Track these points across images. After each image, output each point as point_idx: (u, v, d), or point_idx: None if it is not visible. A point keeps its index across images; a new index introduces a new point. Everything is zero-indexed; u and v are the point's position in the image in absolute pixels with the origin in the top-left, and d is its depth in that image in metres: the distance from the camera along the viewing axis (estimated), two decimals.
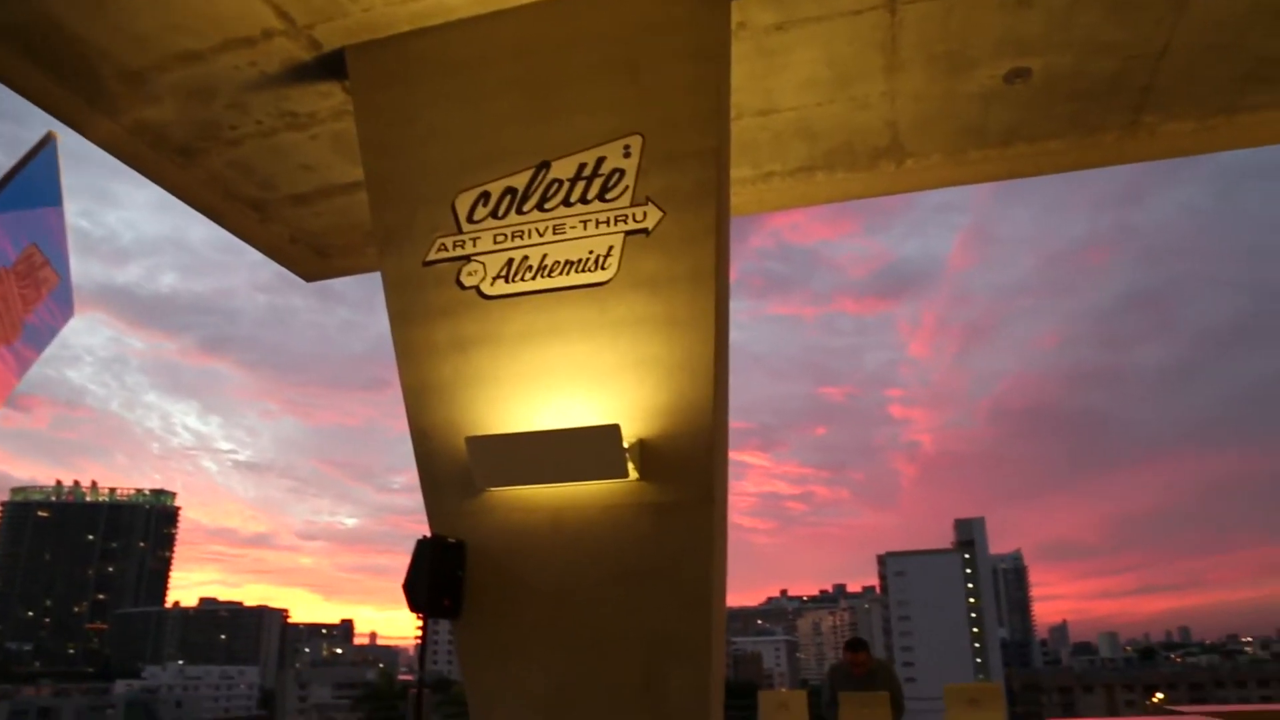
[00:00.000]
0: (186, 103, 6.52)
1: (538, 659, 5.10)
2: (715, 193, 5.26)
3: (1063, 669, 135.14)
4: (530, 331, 5.40)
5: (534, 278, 5.44)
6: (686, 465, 5.00)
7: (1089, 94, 6.77)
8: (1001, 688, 6.77)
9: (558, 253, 5.43)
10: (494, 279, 5.51)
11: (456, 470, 5.33)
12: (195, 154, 7.10)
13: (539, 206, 5.53)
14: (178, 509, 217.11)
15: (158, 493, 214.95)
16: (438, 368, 5.57)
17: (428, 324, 5.62)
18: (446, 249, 5.64)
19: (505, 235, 5.55)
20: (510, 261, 5.50)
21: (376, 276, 5.98)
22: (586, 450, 4.94)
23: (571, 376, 5.29)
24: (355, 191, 7.34)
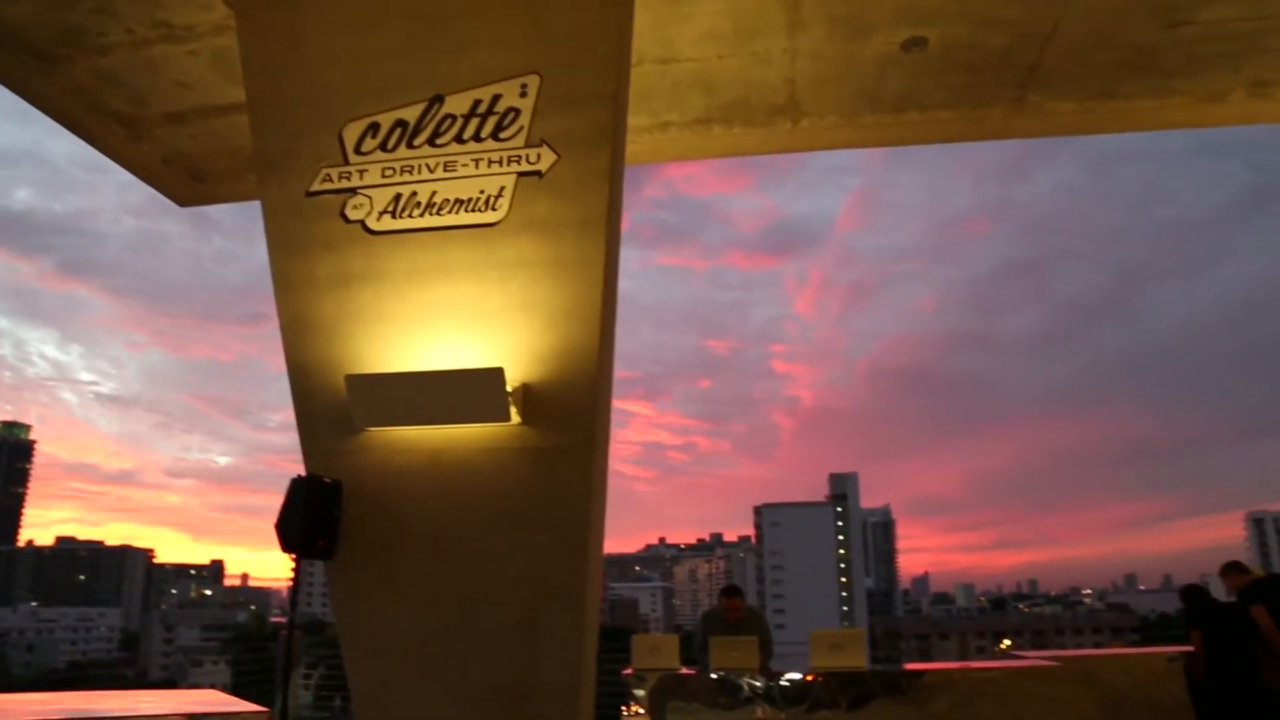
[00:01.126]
0: (48, 2, 6.04)
1: (414, 602, 5.07)
2: (611, 138, 5.22)
3: (922, 617, 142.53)
4: (416, 270, 5.28)
5: (422, 215, 5.30)
6: (569, 411, 5.01)
7: (980, 68, 6.96)
8: (864, 634, 7.09)
9: (448, 190, 5.30)
10: (381, 214, 5.35)
11: (335, 409, 5.20)
12: (58, 60, 6.60)
13: (430, 142, 5.37)
14: (33, 443, 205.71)
15: (10, 425, 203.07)
16: (318, 303, 5.39)
17: (309, 257, 5.43)
18: (331, 180, 5.44)
19: (394, 169, 5.38)
20: (398, 197, 5.35)
21: (256, 205, 5.72)
22: (469, 393, 4.88)
23: (457, 317, 5.21)
24: (235, 114, 6.97)
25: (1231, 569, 6.82)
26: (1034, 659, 7.26)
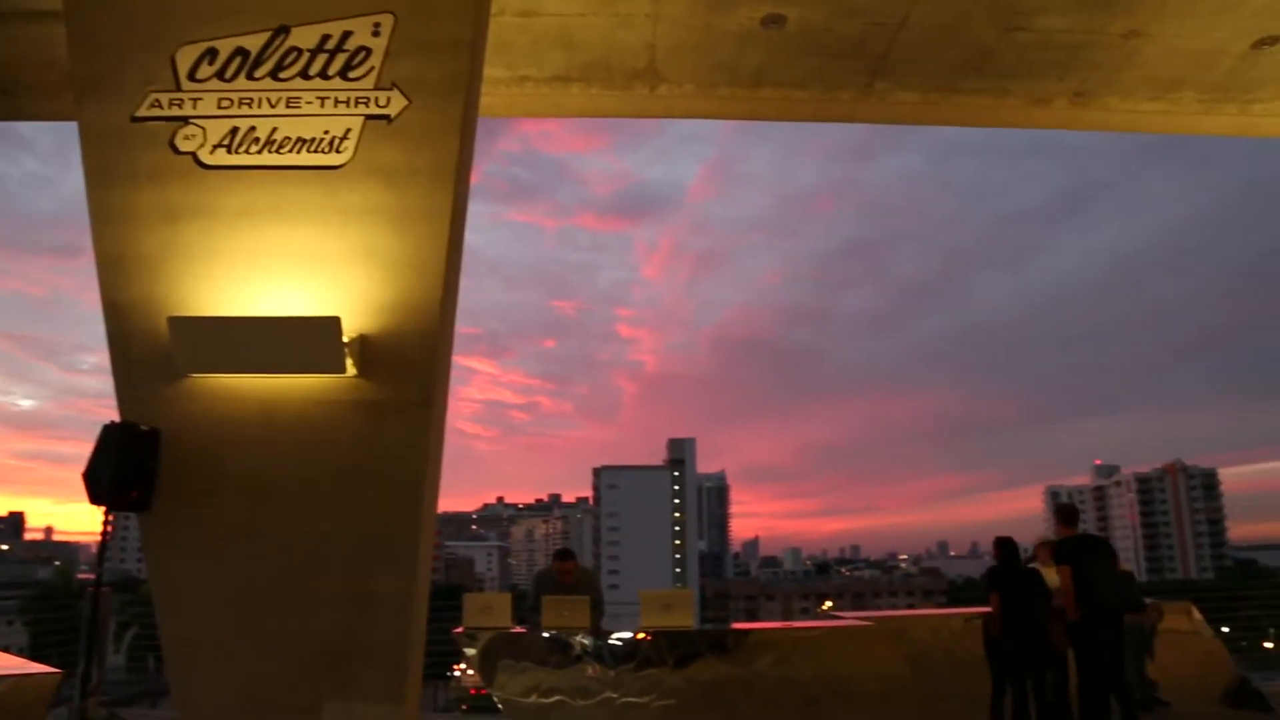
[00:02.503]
0: None
1: (236, 558, 4.86)
2: (465, 87, 5.07)
3: (751, 579, 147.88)
4: (251, 209, 5.00)
5: (261, 151, 5.02)
6: (408, 365, 4.88)
7: (834, 51, 7.15)
8: (693, 595, 7.29)
9: (290, 128, 5.03)
10: (215, 147, 5.03)
11: (155, 352, 4.88)
12: None
13: (273, 75, 5.08)
14: None
15: None
16: (141, 238, 5.03)
17: (133, 187, 5.05)
18: (160, 106, 5.07)
19: (231, 101, 5.06)
20: (235, 130, 5.04)
21: (74, 126, 5.25)
22: (303, 341, 4.69)
23: (293, 262, 4.97)
24: (51, 23, 6.34)
25: (1047, 544, 7.36)
26: (851, 619, 7.66)
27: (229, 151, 5.03)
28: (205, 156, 5.03)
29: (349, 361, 4.74)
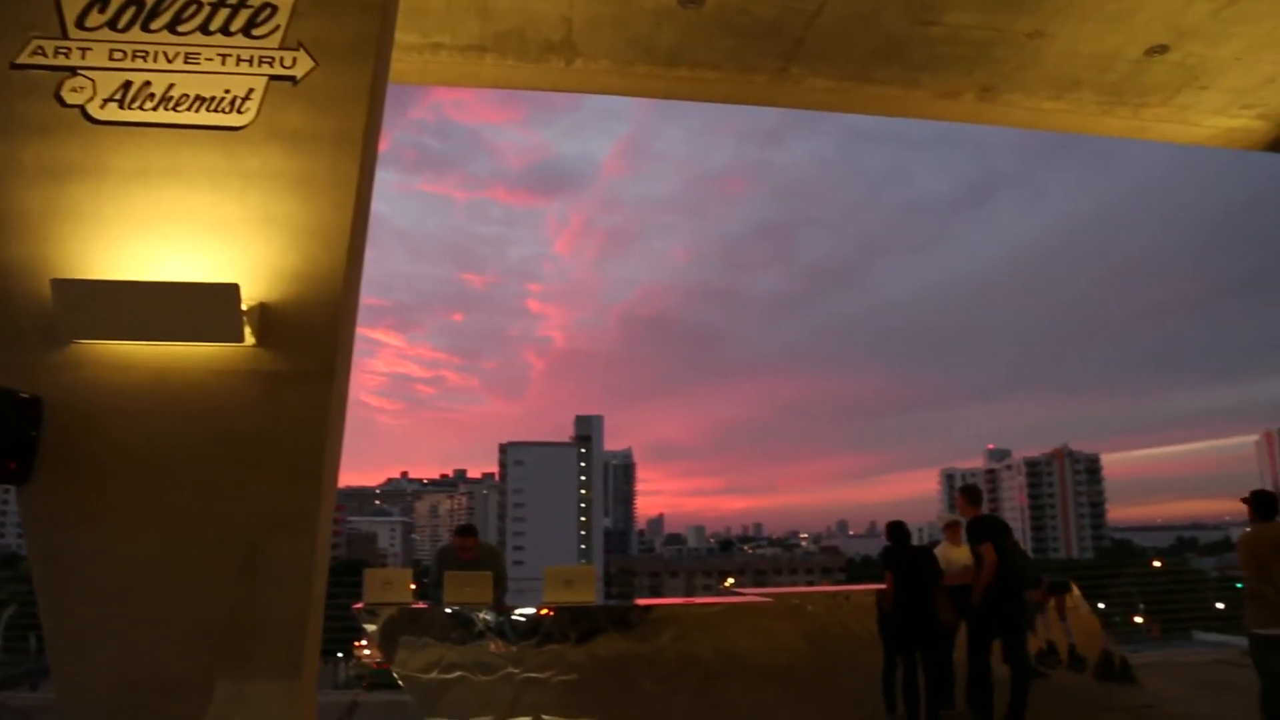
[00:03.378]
0: None
1: (124, 532, 4.66)
2: (375, 52, 4.93)
3: (655, 556, 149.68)
4: (145, 169, 4.78)
5: (156, 108, 4.79)
6: (309, 335, 4.75)
7: (750, 33, 7.20)
8: (596, 571, 7.32)
9: (188, 85, 4.82)
10: (106, 101, 4.78)
11: (37, 316, 4.63)
12: None
13: (170, 27, 4.86)
14: None
15: None
16: (22, 195, 4.75)
17: (12, 140, 4.76)
18: (45, 54, 4.79)
19: (124, 53, 4.82)
20: (128, 85, 4.80)
21: None
22: (199, 308, 4.52)
23: (189, 226, 4.78)
24: None
25: (953, 524, 7.63)
26: (751, 596, 7.80)
27: (121, 107, 4.79)
28: (95, 111, 4.78)
29: (247, 330, 4.59)
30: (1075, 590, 8.11)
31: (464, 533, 7.21)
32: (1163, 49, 10.01)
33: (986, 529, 7.00)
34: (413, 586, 6.87)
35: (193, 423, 4.70)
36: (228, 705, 4.59)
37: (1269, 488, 6.97)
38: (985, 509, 7.51)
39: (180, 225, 4.76)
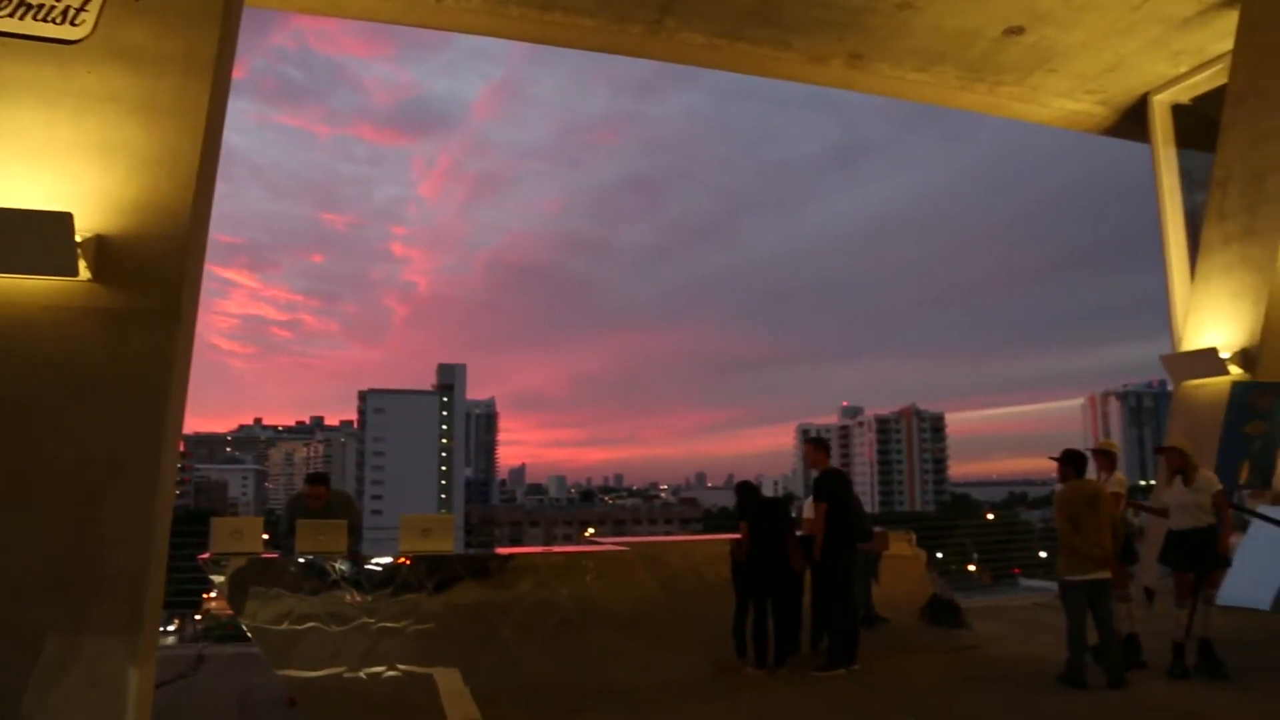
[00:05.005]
0: None
1: None
2: None
3: (516, 506, 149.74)
4: None
5: None
6: (152, 271, 4.47)
7: None
8: (453, 520, 7.24)
9: None
10: None
11: None
12: None
13: None
14: None
15: None
16: None
17: None
18: None
19: None
20: None
21: None
22: (27, 238, 4.18)
23: (14, 147, 4.40)
24: None
25: (818, 445, 7.88)
26: (609, 545, 7.91)
27: None
28: None
29: (82, 264, 4.28)
30: (914, 541, 8.59)
31: (315, 480, 7.00)
32: (1019, 30, 10.51)
33: (825, 487, 7.32)
34: (266, 537, 6.66)
35: (21, 362, 4.39)
36: (58, 663, 4.35)
37: (1094, 447, 7.52)
38: (837, 464, 7.84)
39: (4, 145, 4.38)
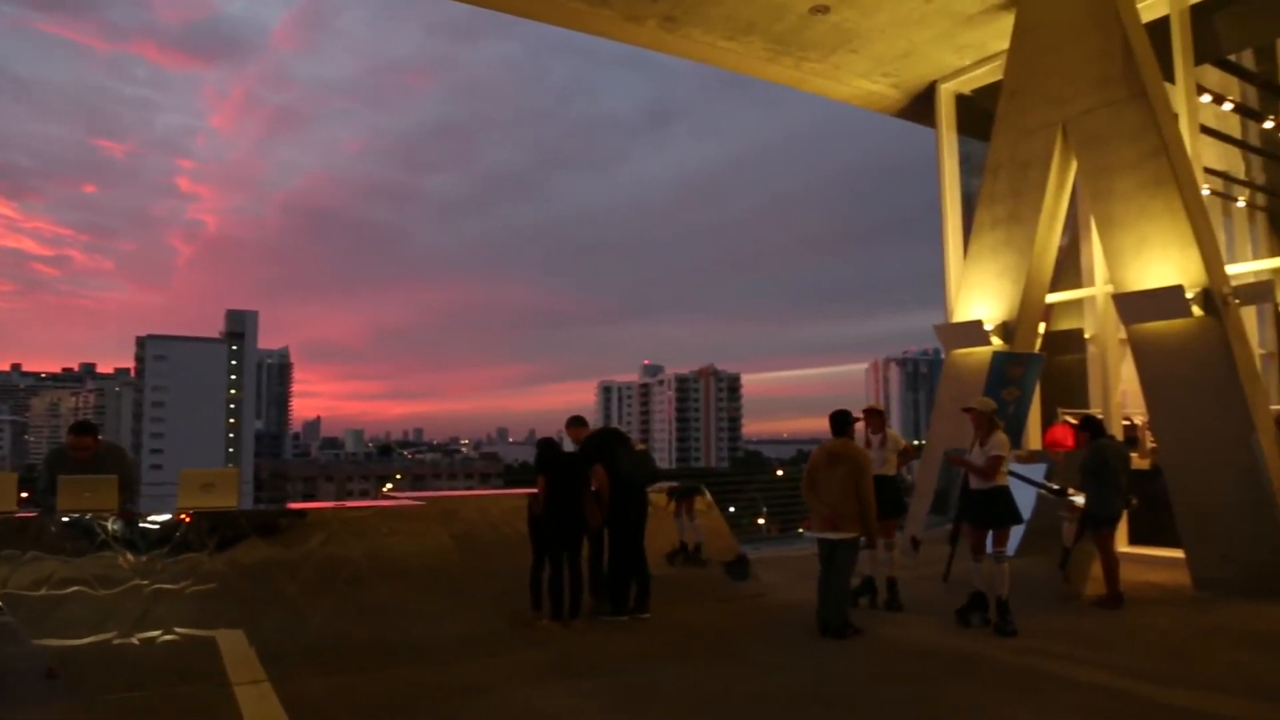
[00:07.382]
0: None
1: None
2: None
3: (310, 461, 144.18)
4: None
5: None
6: None
7: None
8: (237, 474, 6.89)
9: None
10: None
11: None
12: None
13: None
14: None
15: None
16: None
17: None
18: None
19: None
20: None
21: None
22: None
23: None
24: None
25: (573, 422, 8.06)
26: (404, 499, 7.81)
27: None
28: None
29: None
30: (707, 495, 8.97)
31: (80, 430, 6.39)
32: (824, 9, 10.99)
33: (593, 448, 7.61)
34: (25, 495, 6.13)
35: None
36: None
37: (865, 409, 8.10)
38: (635, 421, 8.16)
39: None
